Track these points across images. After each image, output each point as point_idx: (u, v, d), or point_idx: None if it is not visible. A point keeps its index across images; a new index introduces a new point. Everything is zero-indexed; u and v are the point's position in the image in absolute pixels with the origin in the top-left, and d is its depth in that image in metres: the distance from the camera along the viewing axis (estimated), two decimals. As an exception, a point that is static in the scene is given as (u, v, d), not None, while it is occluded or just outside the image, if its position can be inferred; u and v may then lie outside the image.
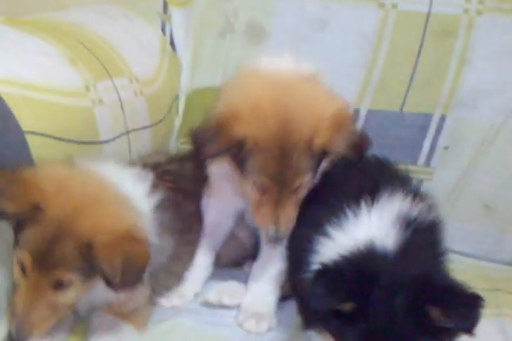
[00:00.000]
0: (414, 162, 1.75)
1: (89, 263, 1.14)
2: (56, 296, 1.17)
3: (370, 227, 1.21)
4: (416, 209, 1.26)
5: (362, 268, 1.12)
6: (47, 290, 1.17)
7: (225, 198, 1.51)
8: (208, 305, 1.46)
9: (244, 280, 1.52)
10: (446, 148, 1.73)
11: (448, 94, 1.71)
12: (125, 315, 1.33)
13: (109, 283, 1.15)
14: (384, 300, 1.08)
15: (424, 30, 1.72)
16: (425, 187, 1.72)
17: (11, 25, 1.47)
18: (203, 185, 1.52)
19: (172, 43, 1.91)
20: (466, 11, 1.69)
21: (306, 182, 1.33)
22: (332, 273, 1.13)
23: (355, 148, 1.31)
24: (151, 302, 1.40)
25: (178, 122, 1.90)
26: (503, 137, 1.69)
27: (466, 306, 1.08)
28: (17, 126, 1.23)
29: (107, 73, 1.58)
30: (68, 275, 1.16)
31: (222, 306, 1.45)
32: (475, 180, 1.72)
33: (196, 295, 1.50)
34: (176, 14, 1.93)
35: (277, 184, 1.30)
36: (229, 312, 1.44)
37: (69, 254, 1.14)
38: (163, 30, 1.91)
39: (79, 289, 1.19)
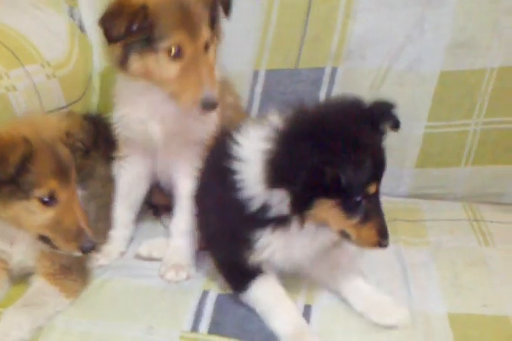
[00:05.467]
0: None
1: None
2: None
3: None
4: None
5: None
6: None
7: (137, 160, 1.63)
8: (139, 258, 1.61)
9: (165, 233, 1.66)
10: (341, 97, 1.86)
11: (337, 48, 1.83)
12: (57, 279, 1.44)
13: None
14: None
15: (311, -11, 1.84)
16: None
17: None
18: (111, 148, 1.64)
19: (81, 26, 2.01)
20: (346, -33, 1.81)
21: (211, 39, 1.46)
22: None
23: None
24: (85, 270, 1.51)
25: (95, 99, 2.02)
26: (390, 81, 1.83)
27: None
28: None
29: (19, 61, 1.70)
30: None
31: (152, 259, 1.59)
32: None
33: (121, 253, 1.64)
34: (83, -2, 2.03)
35: (189, 37, 1.41)
36: (151, 265, 1.58)
37: None
38: (71, 15, 2.01)
39: None
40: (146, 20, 1.37)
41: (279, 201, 1.24)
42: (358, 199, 1.21)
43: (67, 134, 1.38)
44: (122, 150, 1.63)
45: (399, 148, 1.85)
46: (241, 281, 1.39)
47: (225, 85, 1.60)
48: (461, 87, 1.81)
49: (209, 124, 1.56)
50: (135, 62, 1.42)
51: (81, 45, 1.96)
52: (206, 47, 1.45)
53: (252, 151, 1.27)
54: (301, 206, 1.21)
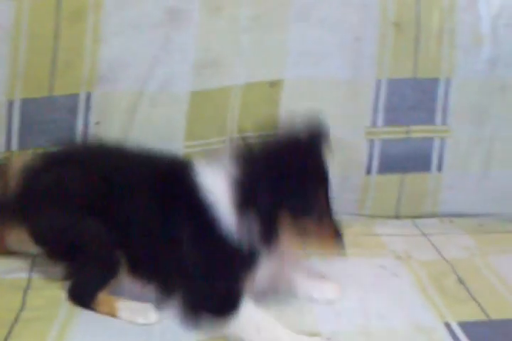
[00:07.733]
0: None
1: None
2: None
3: None
4: None
5: None
6: None
7: None
8: None
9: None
10: (98, 123, 1.85)
11: (89, 73, 1.82)
12: None
13: None
14: None
15: (58, 15, 1.80)
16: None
17: None
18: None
19: None
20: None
21: None
22: None
23: None
24: None
25: None
26: (144, 102, 1.85)
27: None
28: None
29: None
30: None
31: None
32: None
33: None
34: None
35: None
36: None
37: None
38: None
39: None
40: None
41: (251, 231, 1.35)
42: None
43: None
44: None
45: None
46: (232, 305, 1.38)
47: None
48: (211, 106, 1.87)
49: None
50: None
51: None
52: None
53: (218, 181, 1.38)
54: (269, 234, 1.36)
